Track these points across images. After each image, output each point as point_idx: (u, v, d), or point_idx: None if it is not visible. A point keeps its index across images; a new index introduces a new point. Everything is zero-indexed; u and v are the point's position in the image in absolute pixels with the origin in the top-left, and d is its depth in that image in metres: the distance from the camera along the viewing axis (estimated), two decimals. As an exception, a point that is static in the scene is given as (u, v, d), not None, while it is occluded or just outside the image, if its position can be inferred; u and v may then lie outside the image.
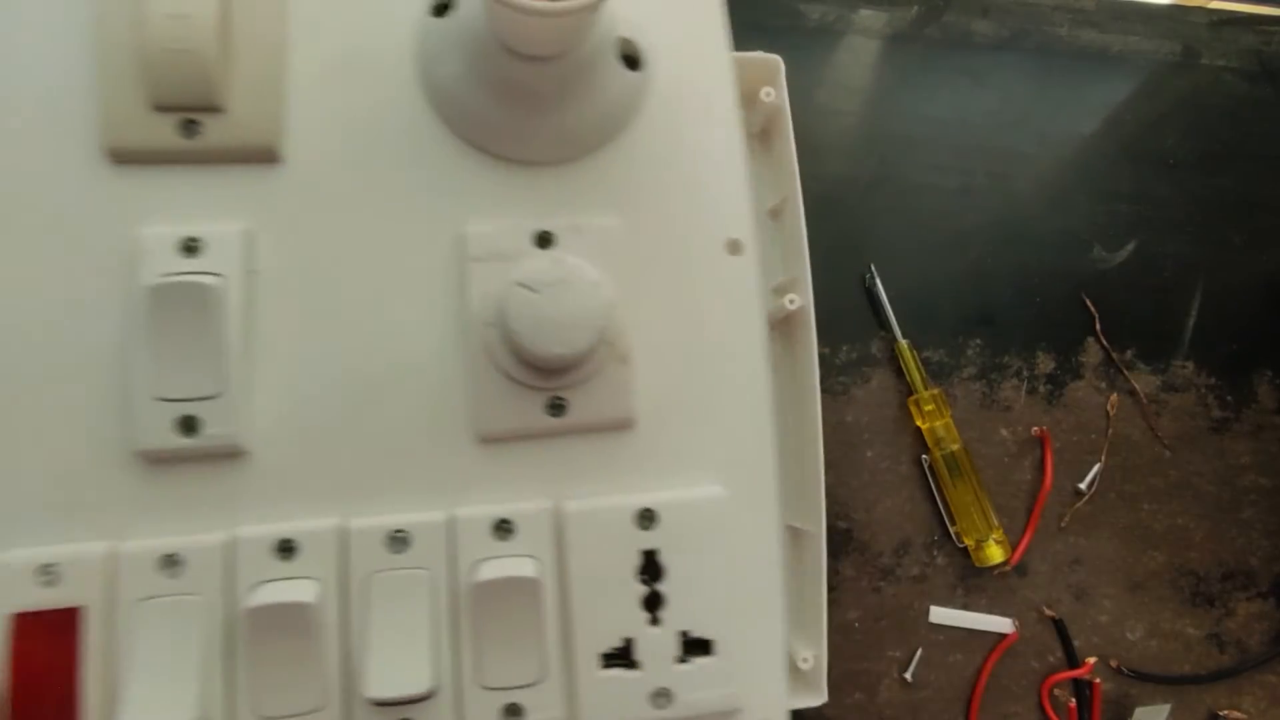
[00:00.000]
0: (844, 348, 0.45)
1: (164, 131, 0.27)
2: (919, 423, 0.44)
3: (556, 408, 0.28)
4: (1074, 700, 0.43)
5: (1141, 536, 0.45)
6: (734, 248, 0.30)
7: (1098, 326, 0.46)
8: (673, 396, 0.29)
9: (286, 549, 0.26)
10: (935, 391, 0.43)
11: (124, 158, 0.27)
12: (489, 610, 0.26)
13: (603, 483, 0.28)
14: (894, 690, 0.43)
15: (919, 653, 0.43)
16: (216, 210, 0.27)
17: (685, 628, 0.27)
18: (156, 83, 0.26)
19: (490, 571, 0.26)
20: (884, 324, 0.44)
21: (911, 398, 0.44)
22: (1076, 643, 0.43)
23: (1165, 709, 0.43)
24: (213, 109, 0.27)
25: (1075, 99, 0.48)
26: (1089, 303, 0.46)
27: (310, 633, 0.25)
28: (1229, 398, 0.46)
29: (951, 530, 0.43)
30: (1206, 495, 0.45)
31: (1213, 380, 0.46)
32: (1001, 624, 0.43)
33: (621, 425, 0.28)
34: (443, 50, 0.28)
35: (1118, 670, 0.44)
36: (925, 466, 0.44)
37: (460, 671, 0.26)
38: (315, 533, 0.26)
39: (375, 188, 0.28)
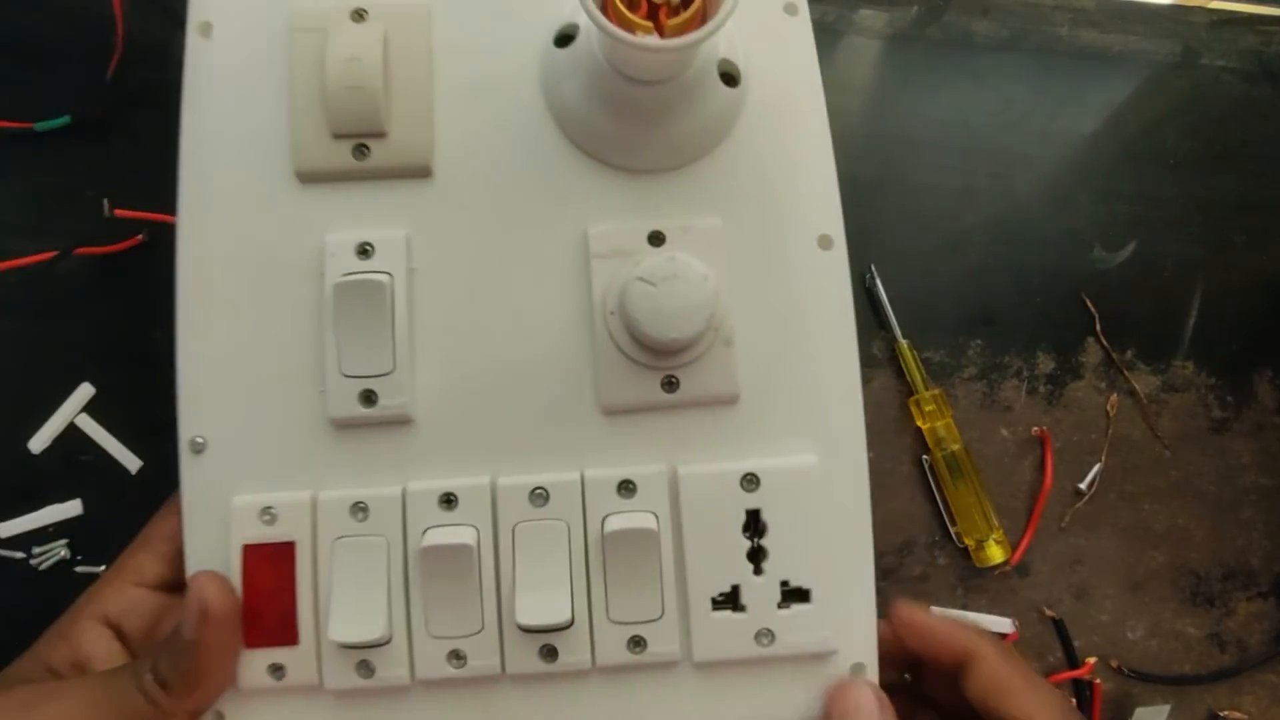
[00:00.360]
0: (844, 348, 0.45)
1: (341, 155, 0.32)
2: (919, 423, 0.44)
3: (670, 384, 0.32)
4: (1074, 700, 0.43)
5: (1142, 536, 0.45)
6: (825, 242, 0.33)
7: (1098, 326, 0.46)
8: (772, 375, 0.32)
9: (449, 500, 0.31)
10: (936, 392, 0.43)
11: (309, 178, 0.32)
12: (616, 557, 0.31)
13: (711, 450, 0.32)
14: (895, 690, 0.43)
15: (919, 653, 0.43)
16: (383, 218, 0.32)
17: (785, 577, 0.31)
18: (336, 115, 0.32)
19: (616, 524, 0.30)
20: (884, 324, 0.44)
21: (912, 398, 0.44)
22: (1077, 643, 0.43)
23: (1165, 709, 0.43)
24: (379, 135, 0.32)
25: (1076, 99, 0.48)
26: (1089, 303, 0.46)
27: (470, 569, 0.30)
28: (1229, 398, 0.46)
29: (952, 530, 0.43)
30: (1206, 495, 0.45)
31: (1213, 380, 0.46)
32: (1002, 624, 0.43)
33: (727, 400, 0.32)
34: (565, 76, 0.32)
35: (1118, 670, 0.44)
36: (926, 467, 0.44)
37: (592, 607, 0.31)
38: (471, 488, 0.31)
39: (510, 195, 0.33)
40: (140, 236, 0.42)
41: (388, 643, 0.31)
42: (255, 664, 0.31)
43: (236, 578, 0.31)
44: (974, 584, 0.44)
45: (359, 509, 0.31)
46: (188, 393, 0.32)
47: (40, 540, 0.41)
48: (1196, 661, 0.44)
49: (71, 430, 0.42)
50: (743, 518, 0.31)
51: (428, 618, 0.31)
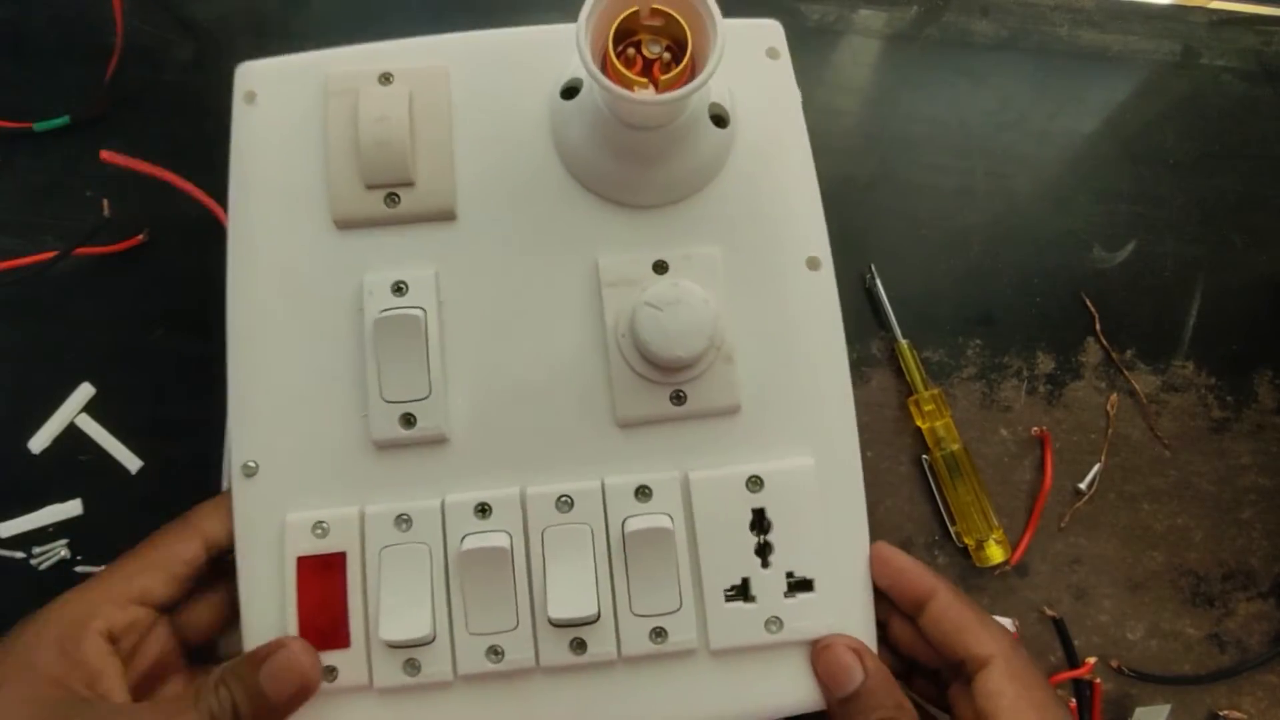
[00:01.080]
0: (844, 348, 0.45)
1: (374, 204, 0.35)
2: (919, 423, 0.44)
3: (678, 398, 0.35)
4: (1074, 700, 0.43)
5: (1141, 536, 0.45)
6: (813, 264, 0.36)
7: (1098, 326, 0.46)
8: (770, 386, 0.35)
9: (483, 510, 0.34)
10: (935, 391, 0.43)
11: (346, 224, 0.36)
12: (636, 555, 0.33)
13: (718, 456, 0.35)
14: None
15: (919, 653, 0.43)
16: (414, 258, 0.35)
17: (790, 569, 0.34)
18: (368, 168, 0.35)
19: (636, 525, 0.33)
20: (884, 324, 0.44)
21: (911, 398, 0.44)
22: (1076, 642, 0.43)
23: (1165, 709, 0.43)
24: (407, 184, 0.35)
25: (1075, 99, 0.48)
26: (1089, 303, 0.46)
27: (505, 571, 0.33)
28: (1229, 398, 0.46)
29: (952, 530, 0.43)
30: (1206, 495, 0.45)
31: (1213, 380, 0.46)
32: (1002, 623, 0.43)
33: (730, 411, 0.35)
34: (571, 124, 0.35)
35: (1118, 670, 0.44)
36: (925, 467, 0.44)
37: (616, 601, 0.34)
38: (503, 498, 0.34)
39: (527, 233, 0.36)
40: (140, 236, 0.42)
41: (432, 641, 0.33)
42: None
43: (290, 589, 0.33)
44: (974, 584, 0.44)
45: (402, 520, 0.34)
46: (239, 421, 0.35)
47: (40, 540, 0.41)
48: (1196, 662, 0.44)
49: (71, 430, 0.42)
50: (749, 516, 0.34)
51: (468, 616, 0.33)
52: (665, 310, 0.33)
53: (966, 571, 0.44)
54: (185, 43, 0.44)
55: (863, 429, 0.44)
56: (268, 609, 0.34)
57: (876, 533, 0.43)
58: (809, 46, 0.47)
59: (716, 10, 0.29)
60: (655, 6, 0.30)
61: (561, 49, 0.36)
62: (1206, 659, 0.44)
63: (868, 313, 0.45)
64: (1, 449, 0.41)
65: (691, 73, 0.30)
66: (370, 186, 0.35)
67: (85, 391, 0.42)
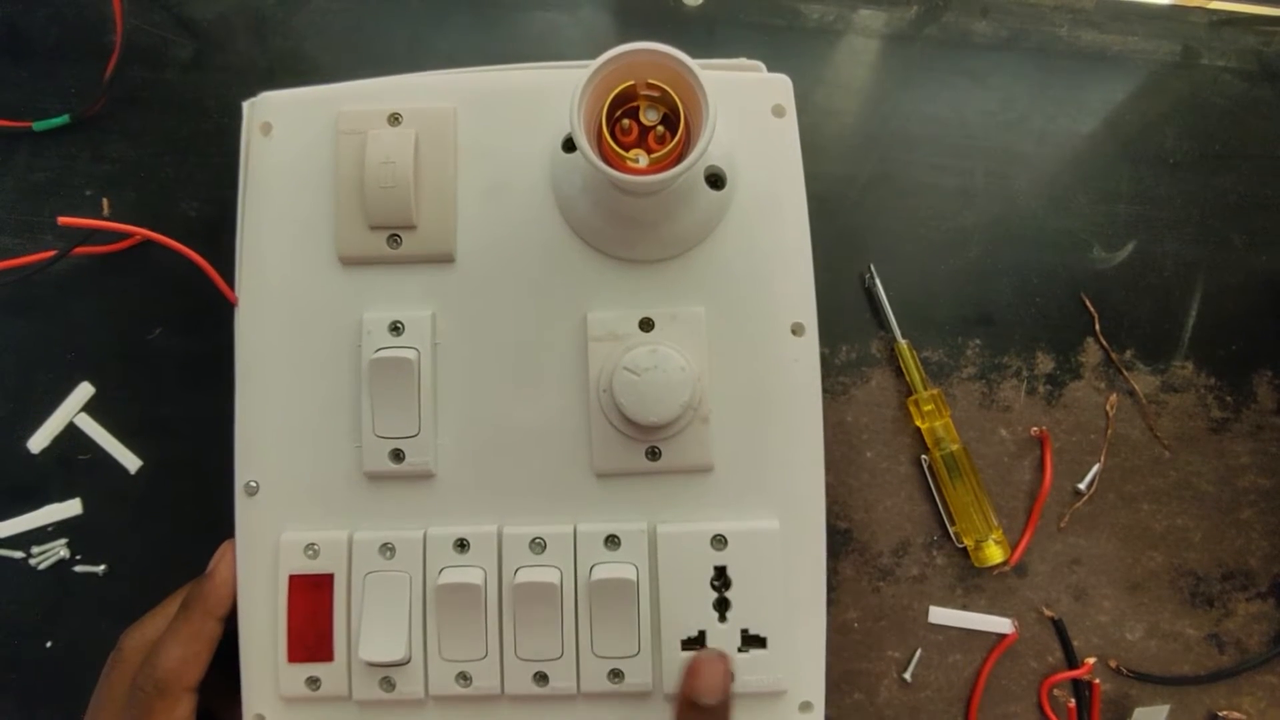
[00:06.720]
0: (843, 348, 0.45)
1: (377, 244, 0.36)
2: (918, 423, 0.44)
3: (653, 454, 0.36)
4: (1073, 701, 0.43)
5: (1141, 537, 0.45)
6: (797, 329, 0.37)
7: (1097, 326, 0.46)
8: (743, 449, 0.36)
9: (462, 545, 0.36)
10: (934, 391, 0.43)
11: (350, 262, 0.37)
12: (601, 601, 0.35)
13: (687, 511, 0.36)
14: (893, 690, 0.43)
15: (918, 653, 0.43)
16: (413, 299, 0.37)
17: (746, 626, 0.35)
18: (372, 210, 0.36)
19: (602, 573, 0.35)
20: (884, 324, 0.44)
21: (911, 398, 0.44)
22: (1076, 643, 0.43)
23: (1165, 709, 0.43)
24: (409, 227, 0.36)
25: (1075, 99, 0.47)
26: (1088, 303, 0.46)
27: (478, 605, 0.35)
28: (1229, 398, 0.46)
29: (951, 530, 0.43)
30: (1206, 495, 0.45)
31: (1213, 380, 0.46)
32: (1001, 624, 0.43)
33: (702, 469, 0.36)
34: (570, 177, 0.36)
35: (1117, 670, 0.43)
36: (925, 467, 0.44)
37: (579, 642, 0.35)
38: (481, 535, 0.36)
39: (521, 280, 0.37)
40: (140, 235, 0.42)
41: (407, 663, 0.35)
42: (295, 676, 0.35)
43: (283, 603, 0.35)
44: (973, 584, 0.44)
45: (387, 549, 0.36)
46: (244, 443, 0.36)
47: (39, 539, 0.41)
48: (1195, 662, 0.44)
49: (71, 430, 0.42)
50: (711, 572, 0.35)
51: (441, 644, 0.35)
52: (642, 376, 0.34)
53: (965, 572, 0.44)
54: (184, 42, 0.44)
55: (862, 429, 0.44)
56: (263, 619, 0.36)
57: (876, 533, 0.43)
58: (809, 46, 0.47)
59: (710, 90, 0.29)
60: (652, 80, 0.31)
61: (570, 94, 0.37)
62: (1206, 659, 0.44)
63: (867, 313, 0.45)
64: (1, 448, 0.41)
65: (686, 142, 0.31)
66: (373, 227, 0.36)
67: (85, 391, 0.42)
